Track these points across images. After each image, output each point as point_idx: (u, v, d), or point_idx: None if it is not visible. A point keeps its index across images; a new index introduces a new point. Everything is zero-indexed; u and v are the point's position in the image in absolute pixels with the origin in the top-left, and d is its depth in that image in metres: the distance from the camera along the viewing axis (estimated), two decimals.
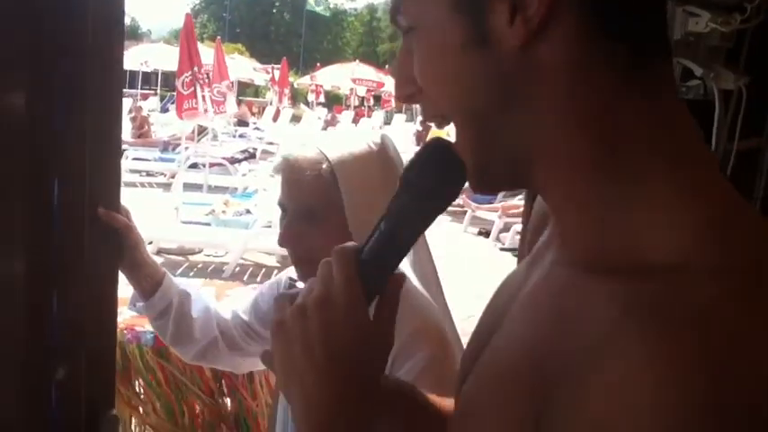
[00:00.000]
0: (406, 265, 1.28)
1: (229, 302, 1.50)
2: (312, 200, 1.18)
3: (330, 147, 1.20)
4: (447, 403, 0.77)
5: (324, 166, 1.17)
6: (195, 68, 7.29)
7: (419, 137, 17.00)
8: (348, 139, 1.23)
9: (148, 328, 2.68)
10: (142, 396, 2.79)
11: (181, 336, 1.40)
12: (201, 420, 2.81)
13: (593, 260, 0.49)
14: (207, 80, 8.03)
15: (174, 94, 9.33)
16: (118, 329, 2.69)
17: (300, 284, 1.39)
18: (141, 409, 2.80)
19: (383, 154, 1.21)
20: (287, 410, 1.33)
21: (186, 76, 7.27)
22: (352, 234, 1.19)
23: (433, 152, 0.63)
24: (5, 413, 1.01)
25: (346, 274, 0.60)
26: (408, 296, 1.23)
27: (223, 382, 2.80)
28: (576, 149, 0.49)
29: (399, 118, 20.63)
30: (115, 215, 1.20)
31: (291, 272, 1.44)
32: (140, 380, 2.76)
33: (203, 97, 7.71)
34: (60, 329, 1.06)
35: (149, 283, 1.35)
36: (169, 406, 2.78)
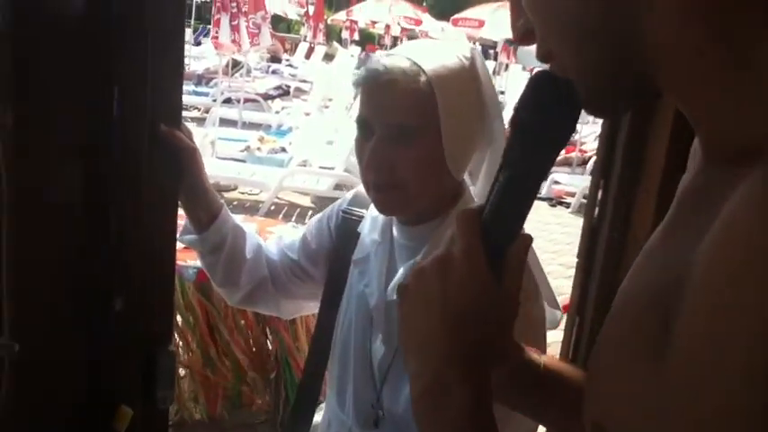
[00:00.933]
0: None
1: (274, 240, 1.38)
2: (408, 117, 1.04)
3: (424, 58, 1.05)
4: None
5: (422, 78, 1.03)
6: None
7: None
8: (439, 51, 1.09)
9: (191, 262, 2.60)
10: (178, 335, 2.74)
11: (231, 276, 1.27)
12: (240, 361, 2.75)
13: (725, 151, 0.46)
14: (243, 11, 7.83)
15: (207, 26, 9.15)
16: None
17: (362, 212, 1.27)
18: (176, 348, 2.76)
19: (473, 69, 1.09)
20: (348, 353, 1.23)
21: (220, 2, 7.11)
22: (446, 157, 1.06)
23: (543, 85, 0.59)
24: (64, 343, 0.93)
25: (467, 236, 0.58)
26: None
27: (265, 323, 2.74)
28: (697, 46, 0.45)
29: None
30: (179, 134, 1.08)
31: (344, 203, 1.31)
32: (179, 317, 2.70)
33: (238, 27, 7.54)
34: (118, 256, 0.97)
35: (206, 215, 1.22)
36: (204, 346, 2.73)
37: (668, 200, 0.57)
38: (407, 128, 1.05)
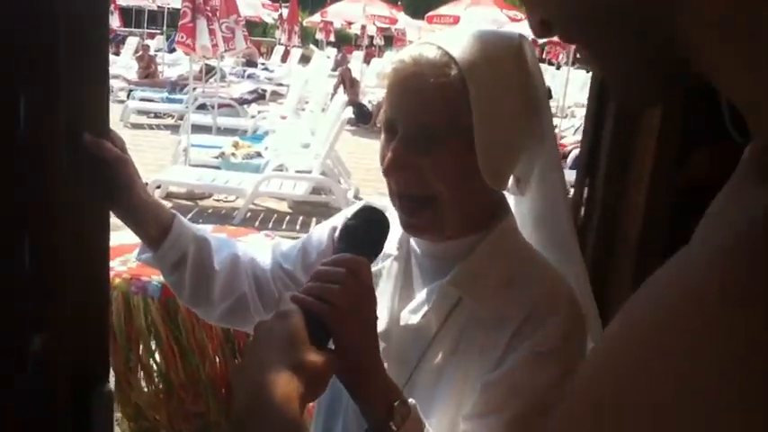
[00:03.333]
0: (538, 235, 1.04)
1: (270, 245, 1.21)
2: (434, 116, 0.90)
3: (457, 46, 0.90)
4: None
5: (452, 72, 0.88)
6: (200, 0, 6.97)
7: None
8: (477, 38, 0.93)
9: (155, 277, 2.45)
10: (140, 359, 2.58)
11: (201, 293, 1.11)
12: (210, 384, 2.60)
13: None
14: (214, 15, 7.66)
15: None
16: (121, 279, 2.48)
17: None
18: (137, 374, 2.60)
19: (521, 58, 0.93)
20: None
21: (187, 6, 6.98)
22: (479, 165, 0.90)
23: (363, 223, 0.89)
24: None
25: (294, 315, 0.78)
26: (536, 259, 0.99)
27: (235, 341, 2.59)
28: (747, 26, 0.37)
29: None
30: (105, 144, 0.94)
31: (352, 211, 1.15)
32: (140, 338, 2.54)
33: (211, 31, 7.37)
34: (34, 287, 0.83)
35: (156, 230, 1.06)
36: (170, 370, 2.56)
37: (659, 195, 0.50)
38: (433, 129, 0.90)
